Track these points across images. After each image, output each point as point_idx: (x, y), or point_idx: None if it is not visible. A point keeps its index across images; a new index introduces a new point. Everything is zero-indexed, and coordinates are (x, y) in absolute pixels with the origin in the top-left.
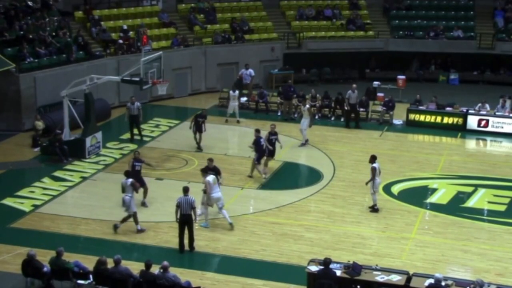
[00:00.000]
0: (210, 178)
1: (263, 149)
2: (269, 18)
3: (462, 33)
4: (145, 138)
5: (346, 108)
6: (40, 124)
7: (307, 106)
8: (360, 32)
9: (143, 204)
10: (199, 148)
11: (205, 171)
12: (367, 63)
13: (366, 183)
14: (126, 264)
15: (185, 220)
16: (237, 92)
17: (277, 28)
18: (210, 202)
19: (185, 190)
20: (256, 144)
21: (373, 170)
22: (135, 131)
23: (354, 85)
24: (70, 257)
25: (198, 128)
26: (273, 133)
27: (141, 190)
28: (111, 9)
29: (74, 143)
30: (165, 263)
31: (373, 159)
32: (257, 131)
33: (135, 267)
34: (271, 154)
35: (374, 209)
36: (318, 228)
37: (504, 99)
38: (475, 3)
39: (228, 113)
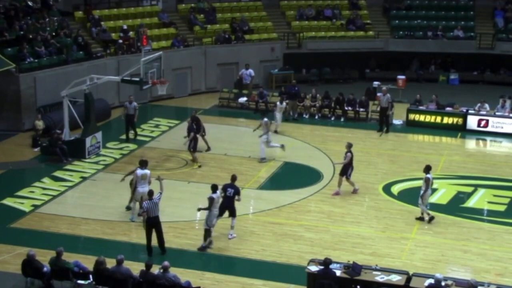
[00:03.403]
0: (139, 171)
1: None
2: (269, 18)
3: (463, 33)
4: (145, 138)
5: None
6: (40, 124)
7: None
8: (360, 32)
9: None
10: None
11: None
12: (367, 63)
13: (421, 196)
14: (126, 264)
15: (153, 223)
16: (284, 104)
17: (277, 28)
18: (136, 196)
19: (150, 194)
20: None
21: (427, 181)
22: (132, 131)
23: (385, 88)
24: (70, 257)
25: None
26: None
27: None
28: (111, 9)
29: (74, 143)
30: (166, 263)
31: (427, 169)
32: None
33: (135, 267)
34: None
35: (430, 218)
36: (318, 228)
37: (504, 99)
38: (475, 3)
39: (277, 125)
